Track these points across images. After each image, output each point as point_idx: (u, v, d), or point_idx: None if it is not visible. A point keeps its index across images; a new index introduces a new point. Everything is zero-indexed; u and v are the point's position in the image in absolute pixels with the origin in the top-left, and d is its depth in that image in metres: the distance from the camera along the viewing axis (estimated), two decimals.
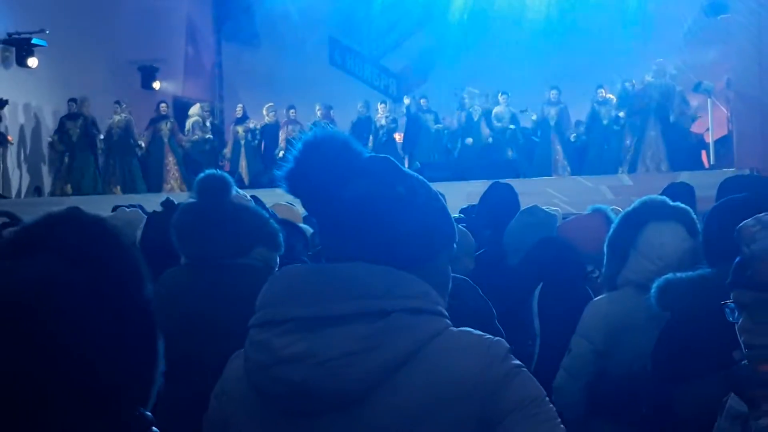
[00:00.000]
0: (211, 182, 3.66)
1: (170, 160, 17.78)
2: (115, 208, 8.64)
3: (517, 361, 1.68)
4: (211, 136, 18.25)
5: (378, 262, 1.67)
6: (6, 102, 16.10)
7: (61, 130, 17.19)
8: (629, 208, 3.52)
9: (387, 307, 1.63)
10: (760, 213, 2.68)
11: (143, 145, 17.79)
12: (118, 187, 17.34)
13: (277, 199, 10.31)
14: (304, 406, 1.64)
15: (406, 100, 18.84)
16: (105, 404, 1.50)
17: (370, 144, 17.68)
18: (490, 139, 17.22)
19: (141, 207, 9.67)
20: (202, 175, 3.73)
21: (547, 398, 1.67)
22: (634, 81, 16.27)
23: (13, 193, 17.01)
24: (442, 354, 1.63)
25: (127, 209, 5.90)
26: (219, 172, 3.77)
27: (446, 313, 1.71)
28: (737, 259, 2.09)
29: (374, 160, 1.79)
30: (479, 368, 1.62)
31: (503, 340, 1.70)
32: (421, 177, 1.83)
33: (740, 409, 2.16)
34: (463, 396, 1.61)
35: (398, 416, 1.60)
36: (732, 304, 2.13)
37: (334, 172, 1.71)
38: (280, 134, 18.06)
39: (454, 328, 1.69)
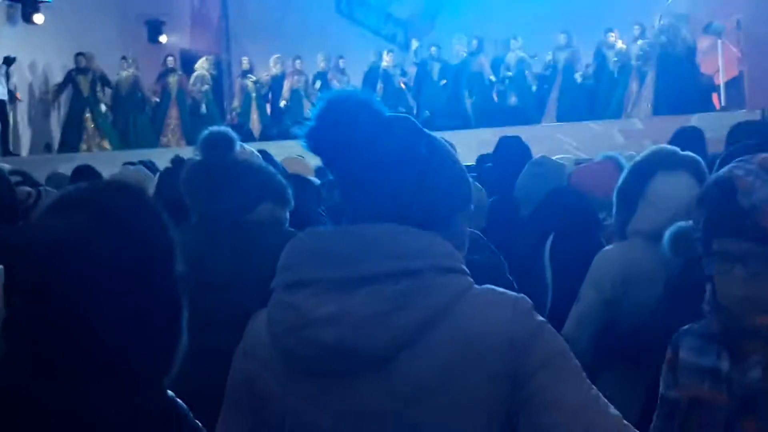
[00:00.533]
0: (215, 139, 3.64)
1: (173, 113, 17.75)
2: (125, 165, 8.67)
3: (541, 317, 1.70)
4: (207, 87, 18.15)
5: (400, 221, 1.68)
6: (14, 59, 16.06)
7: (73, 85, 17.11)
8: (638, 158, 3.51)
9: (417, 266, 1.64)
10: None
11: (155, 100, 17.78)
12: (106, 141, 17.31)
13: (288, 151, 10.30)
14: (335, 367, 1.64)
15: (415, 44, 18.72)
16: (124, 368, 1.52)
17: (379, 93, 17.62)
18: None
19: (152, 163, 9.72)
20: (205, 132, 3.72)
21: (571, 352, 1.70)
22: (644, 23, 16.12)
23: (24, 150, 17.04)
24: (469, 312, 1.64)
25: (131, 167, 5.90)
26: (222, 128, 3.75)
27: (468, 272, 1.72)
28: (727, 208, 2.07)
29: (396, 120, 1.79)
30: (506, 325, 1.64)
31: (525, 296, 1.72)
32: (439, 138, 1.84)
33: (671, 395, 2.19)
34: (492, 353, 1.62)
35: (429, 374, 1.62)
36: (714, 253, 2.12)
37: (357, 131, 1.71)
38: (284, 84, 18.00)
39: (478, 286, 1.71)
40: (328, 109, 1.73)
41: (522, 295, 1.72)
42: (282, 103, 17.77)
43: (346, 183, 1.76)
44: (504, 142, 5.54)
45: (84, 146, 16.93)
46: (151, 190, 5.68)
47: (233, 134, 3.69)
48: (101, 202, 1.56)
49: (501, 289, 1.72)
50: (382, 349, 1.61)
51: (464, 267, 1.72)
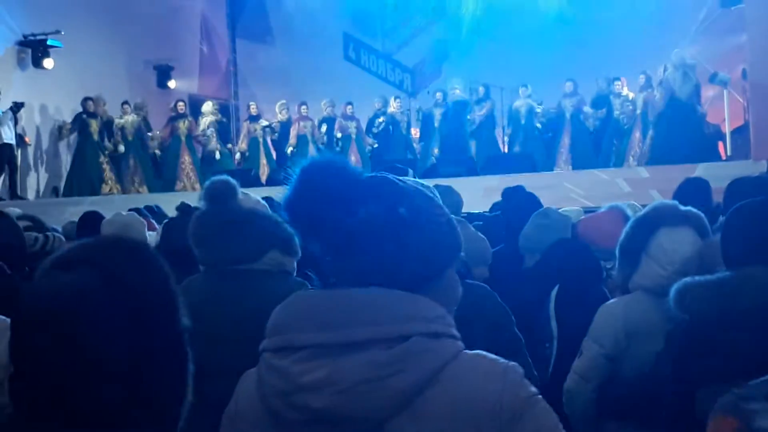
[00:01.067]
0: (217, 188, 3.67)
1: (186, 159, 17.82)
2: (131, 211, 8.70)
3: (534, 389, 1.69)
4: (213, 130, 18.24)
5: (387, 284, 1.67)
6: (22, 104, 16.18)
7: (81, 129, 17.19)
8: (640, 213, 3.53)
9: (406, 331, 1.62)
10: None
11: (156, 143, 17.87)
12: (144, 187, 17.40)
13: None
14: None
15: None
16: (130, 422, 1.53)
17: (386, 140, 17.70)
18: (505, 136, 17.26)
19: (158, 207, 9.75)
20: (208, 182, 3.75)
21: (561, 426, 1.69)
22: (648, 73, 16.23)
23: (32, 194, 17.11)
24: (460, 378, 1.63)
25: (124, 213, 5.94)
26: (223, 177, 3.78)
27: (459, 336, 1.71)
28: None
29: (374, 182, 1.77)
30: (497, 394, 1.63)
31: (517, 365, 1.70)
32: (421, 188, 1.82)
33: None
34: (481, 421, 1.61)
35: None
36: None
37: (333, 200, 1.69)
38: (291, 131, 18.08)
39: (468, 351, 1.70)
40: (302, 179, 1.72)
41: (514, 363, 1.70)
42: (288, 150, 17.83)
43: (329, 250, 1.74)
44: (509, 192, 5.56)
45: (106, 188, 17.04)
46: (143, 234, 5.72)
47: (234, 182, 3.71)
48: (104, 259, 1.58)
49: (492, 356, 1.71)
50: (373, 415, 1.60)
51: (454, 331, 1.70)
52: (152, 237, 6.39)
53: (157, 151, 17.89)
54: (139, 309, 1.55)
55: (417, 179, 2.89)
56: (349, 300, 1.66)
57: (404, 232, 1.71)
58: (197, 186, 16.88)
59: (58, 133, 17.53)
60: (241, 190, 3.76)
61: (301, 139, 17.88)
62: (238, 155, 18.33)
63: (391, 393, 1.59)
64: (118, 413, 1.53)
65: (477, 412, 1.61)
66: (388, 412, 1.60)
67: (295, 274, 3.61)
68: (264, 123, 18.28)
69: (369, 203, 1.71)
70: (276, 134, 18.18)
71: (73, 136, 17.49)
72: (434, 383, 1.61)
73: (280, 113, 18.32)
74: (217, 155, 17.88)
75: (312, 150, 17.88)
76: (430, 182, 2.95)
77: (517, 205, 5.10)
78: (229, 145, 18.53)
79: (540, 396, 1.69)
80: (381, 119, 17.73)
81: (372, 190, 1.74)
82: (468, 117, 17.30)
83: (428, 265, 1.74)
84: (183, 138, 17.85)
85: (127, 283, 1.55)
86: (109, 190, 16.98)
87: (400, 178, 1.82)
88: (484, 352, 1.71)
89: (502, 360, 1.70)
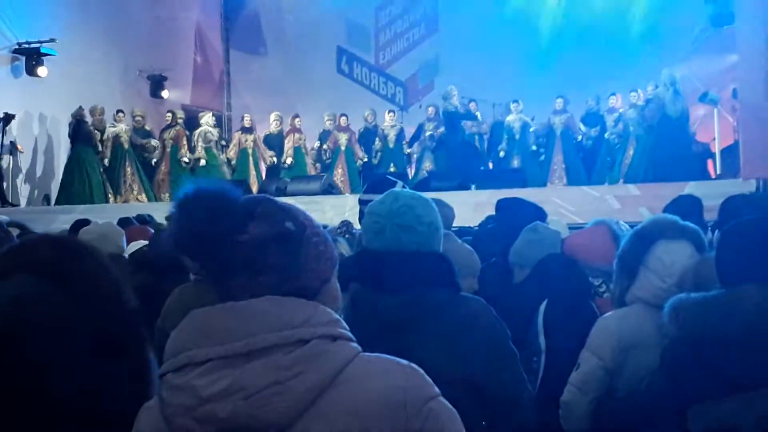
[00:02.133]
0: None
1: (162, 168, 17.91)
2: (123, 220, 8.72)
3: (436, 389, 1.77)
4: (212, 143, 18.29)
5: (282, 295, 1.74)
6: (13, 116, 16.17)
7: (74, 138, 17.19)
8: (639, 226, 3.56)
9: (305, 335, 1.68)
10: None
11: (150, 141, 17.91)
12: (143, 195, 17.43)
13: None
14: None
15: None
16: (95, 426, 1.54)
17: (378, 153, 17.71)
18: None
19: (150, 217, 9.77)
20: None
21: (463, 427, 1.77)
22: (640, 91, 16.31)
23: (24, 201, 17.09)
24: (361, 378, 1.70)
25: (100, 222, 5.95)
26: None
27: (354, 339, 1.78)
28: None
29: (255, 201, 1.83)
30: (401, 392, 1.70)
31: (417, 366, 1.78)
32: (300, 208, 1.90)
33: None
34: (385, 419, 1.68)
35: None
36: None
37: (222, 222, 1.74)
38: (285, 143, 18.11)
39: (365, 354, 1.76)
40: (183, 214, 1.75)
41: (412, 363, 1.78)
42: (288, 161, 17.87)
43: (218, 270, 1.77)
44: (503, 204, 5.53)
45: (120, 199, 17.18)
46: (120, 244, 5.72)
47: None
48: (32, 258, 1.60)
49: (391, 357, 1.78)
50: (278, 419, 1.64)
51: (349, 334, 1.77)
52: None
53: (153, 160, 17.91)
54: (82, 300, 1.57)
55: (409, 190, 2.93)
56: (247, 311, 1.71)
57: (294, 245, 1.79)
58: (165, 197, 17.15)
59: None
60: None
61: (297, 151, 17.93)
62: (225, 167, 18.32)
63: (295, 395, 1.64)
64: (79, 419, 1.54)
65: (381, 410, 1.68)
66: (293, 415, 1.65)
67: None
68: (262, 134, 18.27)
69: (256, 222, 1.77)
70: (272, 143, 18.14)
71: (66, 144, 17.51)
72: (336, 384, 1.68)
73: (273, 124, 18.33)
74: (202, 162, 17.90)
75: (308, 161, 17.92)
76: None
77: (511, 217, 5.10)
78: (223, 156, 18.51)
79: (442, 397, 1.77)
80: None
81: (256, 209, 1.80)
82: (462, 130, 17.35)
83: (317, 276, 1.81)
84: (168, 148, 17.99)
85: (62, 278, 1.56)
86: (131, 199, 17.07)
87: (277, 198, 1.90)
88: (382, 355, 1.78)
89: (402, 360, 1.78)
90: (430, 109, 17.79)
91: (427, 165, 17.32)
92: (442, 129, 17.37)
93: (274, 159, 18.04)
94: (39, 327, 1.52)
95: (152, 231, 6.98)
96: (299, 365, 1.65)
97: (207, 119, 18.30)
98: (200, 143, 17.90)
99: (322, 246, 1.84)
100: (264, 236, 1.76)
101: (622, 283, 3.51)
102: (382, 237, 2.79)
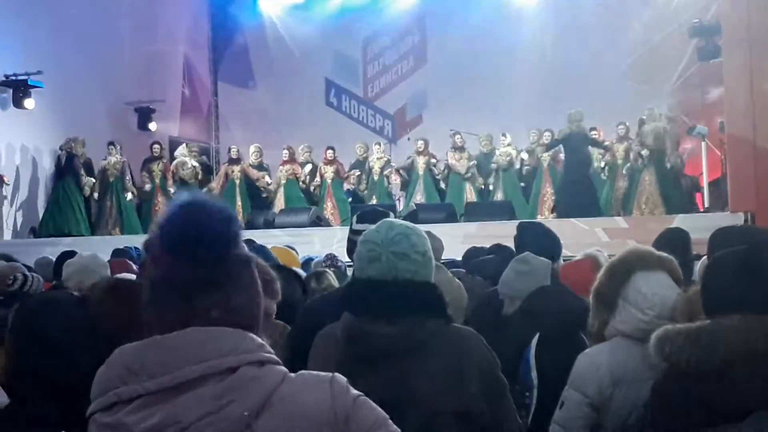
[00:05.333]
0: None
1: (159, 200, 17.89)
2: (117, 252, 8.67)
3: (357, 391, 1.82)
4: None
5: (230, 323, 1.76)
6: None
7: (59, 170, 17.13)
8: (614, 259, 3.54)
9: (234, 363, 1.70)
10: (759, 265, 2.71)
11: (137, 186, 17.90)
12: (117, 229, 17.38)
13: (273, 241, 10.31)
14: None
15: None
16: None
17: (366, 186, 17.71)
18: (483, 185, 17.35)
19: (137, 249, 9.71)
20: None
21: (390, 419, 1.82)
22: (627, 124, 16.38)
23: (9, 234, 16.99)
24: (290, 397, 1.73)
25: (84, 255, 5.91)
26: None
27: (281, 362, 1.80)
28: None
29: (232, 222, 1.85)
30: (328, 401, 1.75)
31: (340, 375, 1.83)
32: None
33: None
34: (318, 429, 1.72)
35: None
36: None
37: (223, 231, 1.78)
38: (278, 173, 18.10)
39: (292, 374, 1.80)
40: (184, 214, 1.78)
41: (336, 373, 1.83)
42: (272, 186, 17.86)
43: (194, 282, 1.77)
44: (524, 227, 5.38)
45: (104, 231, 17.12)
46: (104, 277, 5.67)
47: None
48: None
49: (315, 372, 1.84)
50: None
51: (275, 358, 1.79)
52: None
53: (131, 194, 17.85)
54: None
55: (403, 221, 2.93)
56: (172, 343, 1.71)
57: (252, 271, 1.84)
58: None
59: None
60: None
61: (289, 183, 17.92)
62: (215, 190, 18.33)
63: (229, 423, 1.65)
64: None
65: (313, 423, 1.72)
66: None
67: (274, 315, 3.61)
68: (248, 163, 18.24)
69: (231, 244, 1.79)
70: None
71: (50, 175, 17.47)
72: (268, 406, 1.69)
73: (253, 156, 18.29)
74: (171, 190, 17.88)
75: (296, 193, 17.90)
76: None
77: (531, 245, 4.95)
78: (211, 185, 18.48)
79: (365, 397, 1.81)
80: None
81: (232, 231, 1.82)
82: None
83: (262, 306, 1.87)
84: (157, 180, 17.94)
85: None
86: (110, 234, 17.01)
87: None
88: (308, 371, 1.86)
89: (324, 373, 1.83)
90: (420, 142, 17.76)
91: (419, 197, 17.31)
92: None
93: (268, 179, 18.02)
94: None
95: (132, 263, 6.93)
96: (230, 393, 1.67)
97: (181, 150, 18.35)
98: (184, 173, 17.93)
99: (269, 277, 1.90)
100: (244, 257, 1.81)
101: (601, 316, 3.47)
102: (378, 264, 2.79)
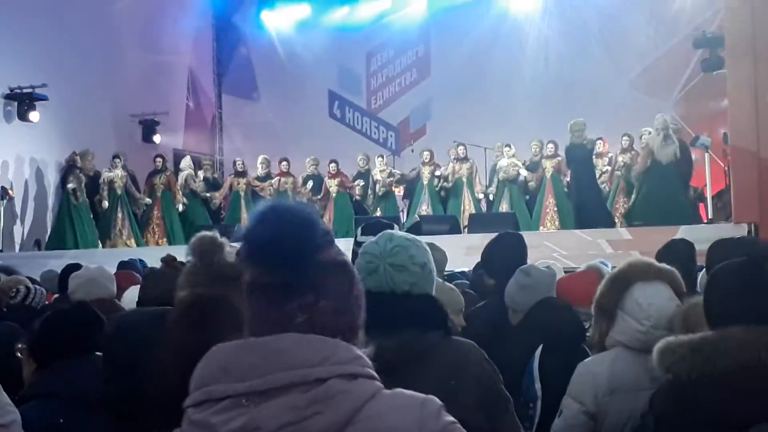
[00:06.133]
0: (203, 243, 3.68)
1: (155, 213, 17.92)
2: (123, 264, 8.67)
3: (451, 417, 1.74)
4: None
5: (322, 331, 1.73)
6: None
7: (64, 183, 17.14)
8: (615, 270, 3.57)
9: (322, 374, 1.66)
10: (760, 276, 2.72)
11: (144, 198, 17.94)
12: (132, 240, 17.40)
13: None
14: None
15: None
16: None
17: (370, 198, 17.71)
18: (483, 195, 17.36)
19: (142, 261, 9.72)
20: (194, 237, 3.75)
21: None
22: (632, 135, 16.38)
23: (16, 247, 17.01)
24: (379, 415, 1.67)
25: (91, 267, 5.91)
26: (210, 233, 3.78)
27: (377, 376, 1.75)
28: None
29: (326, 232, 1.85)
30: (416, 425, 1.68)
31: (435, 398, 1.75)
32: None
33: None
34: None
35: None
36: None
37: (308, 238, 1.76)
38: (274, 184, 18.10)
39: (387, 390, 1.73)
40: (266, 223, 1.77)
41: (431, 396, 1.75)
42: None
43: (284, 290, 1.77)
44: (500, 238, 5.38)
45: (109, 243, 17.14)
46: (110, 288, 5.68)
47: (220, 238, 3.71)
48: None
49: (409, 392, 1.75)
50: None
51: (371, 371, 1.74)
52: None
53: (144, 202, 17.93)
54: None
55: (404, 233, 2.93)
56: (268, 347, 1.70)
57: (351, 279, 1.83)
58: (162, 241, 17.19)
59: (74, 196, 17.40)
60: (229, 243, 3.76)
61: (282, 195, 17.92)
62: (217, 201, 18.39)
63: None
64: None
65: None
66: None
67: None
68: (254, 175, 18.31)
69: (313, 249, 1.77)
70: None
71: (56, 188, 17.50)
72: (353, 422, 1.64)
73: (261, 167, 18.37)
74: (180, 207, 18.00)
75: None
76: None
77: (505, 252, 4.99)
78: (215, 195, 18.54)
79: (458, 424, 1.75)
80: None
81: (326, 239, 1.82)
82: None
83: (361, 313, 1.84)
84: (159, 193, 17.99)
85: None
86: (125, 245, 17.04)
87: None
88: (404, 390, 1.76)
89: (419, 394, 1.75)
90: (425, 153, 17.77)
91: (425, 208, 17.32)
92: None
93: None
94: None
95: (138, 275, 6.93)
96: (315, 405, 1.63)
97: (187, 162, 18.43)
98: (184, 188, 18.02)
99: (360, 286, 1.87)
100: (335, 262, 1.79)
101: (601, 327, 3.50)
102: (375, 276, 2.79)
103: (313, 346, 1.69)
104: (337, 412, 1.64)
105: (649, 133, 15.44)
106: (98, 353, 3.45)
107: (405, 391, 1.75)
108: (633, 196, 15.68)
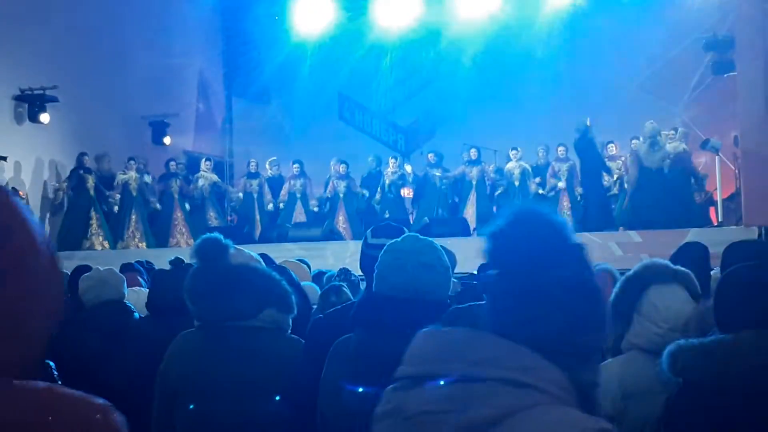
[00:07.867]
0: (207, 246, 3.69)
1: (178, 215, 17.93)
2: (125, 267, 8.69)
3: None
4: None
5: (529, 345, 1.63)
6: (4, 158, 16.17)
7: (76, 184, 17.15)
8: (630, 272, 3.54)
9: (482, 374, 1.60)
10: None
11: (156, 202, 17.95)
12: (144, 243, 17.43)
13: (286, 254, 10.31)
14: None
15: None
16: None
17: (378, 199, 17.71)
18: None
19: (149, 263, 9.74)
20: (198, 240, 3.77)
21: None
22: (641, 138, 16.34)
23: None
24: (525, 425, 1.55)
25: (101, 269, 5.94)
26: (215, 234, 3.79)
27: (555, 392, 1.62)
28: None
29: (576, 249, 1.75)
30: None
31: (603, 420, 1.64)
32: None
33: None
34: None
35: None
36: None
37: (542, 252, 1.71)
38: (283, 188, 18.18)
39: (554, 406, 1.60)
40: (519, 221, 1.74)
41: (599, 419, 1.64)
42: (280, 204, 17.94)
43: (505, 294, 1.71)
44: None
45: (87, 243, 16.99)
46: (120, 290, 5.71)
47: (224, 240, 3.72)
48: None
49: (580, 413, 1.62)
50: None
51: (546, 386, 1.61)
52: (141, 293, 6.37)
53: (158, 206, 17.96)
54: None
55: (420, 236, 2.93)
56: (442, 338, 1.72)
57: (589, 305, 1.71)
58: (191, 241, 16.97)
59: (54, 195, 17.48)
60: (234, 246, 3.76)
61: (291, 197, 17.95)
62: (232, 213, 18.42)
63: (447, 428, 1.59)
64: None
65: None
66: None
67: (290, 331, 3.62)
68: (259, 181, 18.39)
69: (564, 267, 1.70)
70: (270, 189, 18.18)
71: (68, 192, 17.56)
72: (495, 425, 1.56)
73: (270, 169, 18.42)
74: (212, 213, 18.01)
75: (299, 207, 17.89)
76: None
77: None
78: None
79: None
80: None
81: (574, 255, 1.74)
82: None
83: (596, 338, 1.77)
84: (176, 196, 17.99)
85: None
86: (96, 246, 16.98)
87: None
88: (576, 410, 1.63)
89: (583, 415, 1.62)
90: (431, 155, 17.76)
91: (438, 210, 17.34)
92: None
93: (270, 206, 18.16)
94: None
95: (139, 278, 6.95)
96: (457, 401, 1.60)
97: (207, 165, 18.54)
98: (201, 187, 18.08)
99: (600, 315, 1.77)
100: (566, 281, 1.68)
101: (617, 330, 3.48)
102: (403, 273, 2.80)
103: (484, 345, 1.66)
104: (481, 412, 1.58)
105: (661, 136, 15.41)
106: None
107: (574, 410, 1.62)
108: (624, 202, 15.68)
